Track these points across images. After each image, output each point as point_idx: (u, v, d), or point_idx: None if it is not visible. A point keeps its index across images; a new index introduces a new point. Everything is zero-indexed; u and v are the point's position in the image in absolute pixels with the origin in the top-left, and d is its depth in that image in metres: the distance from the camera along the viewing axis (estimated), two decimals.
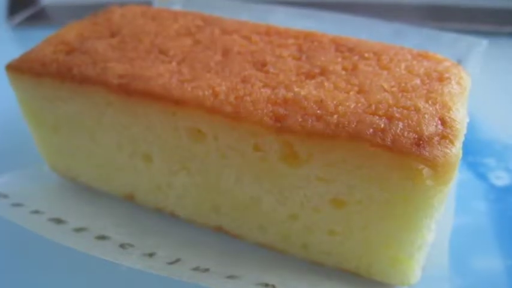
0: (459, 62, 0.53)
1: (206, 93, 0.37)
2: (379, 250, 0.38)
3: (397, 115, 0.34)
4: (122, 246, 0.41)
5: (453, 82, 0.38)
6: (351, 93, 0.36)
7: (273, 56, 0.41)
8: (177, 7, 0.69)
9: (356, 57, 0.41)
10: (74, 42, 0.46)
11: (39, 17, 0.96)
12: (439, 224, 0.38)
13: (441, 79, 0.38)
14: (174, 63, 0.41)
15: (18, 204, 0.44)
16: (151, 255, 0.40)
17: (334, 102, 0.35)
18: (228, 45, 0.43)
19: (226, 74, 0.39)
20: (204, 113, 0.37)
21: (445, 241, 0.41)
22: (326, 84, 0.38)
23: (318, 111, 0.35)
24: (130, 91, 0.39)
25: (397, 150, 0.32)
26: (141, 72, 0.40)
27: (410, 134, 0.33)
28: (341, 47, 0.42)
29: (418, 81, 0.38)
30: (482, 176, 0.53)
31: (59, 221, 0.43)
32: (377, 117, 0.34)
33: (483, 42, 0.57)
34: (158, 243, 0.43)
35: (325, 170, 0.35)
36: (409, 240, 0.36)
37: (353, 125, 0.33)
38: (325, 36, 0.44)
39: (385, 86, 0.37)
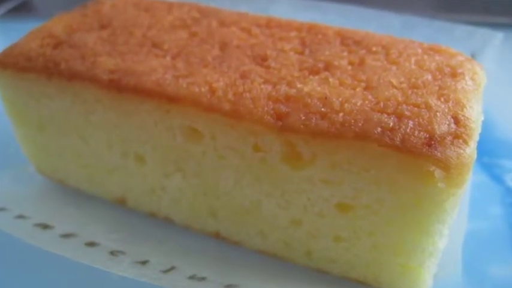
0: (473, 56, 0.53)
1: (203, 89, 0.37)
2: (387, 257, 0.38)
3: (407, 113, 0.34)
4: (113, 253, 0.41)
5: (467, 78, 0.38)
6: (358, 89, 0.36)
7: (274, 50, 0.41)
8: None
9: (363, 51, 0.41)
10: (62, 35, 0.46)
11: (25, 8, 0.96)
12: (452, 230, 0.38)
13: (454, 75, 0.38)
14: (168, 58, 0.41)
15: (1, 209, 0.44)
16: (144, 263, 0.40)
17: (340, 100, 0.35)
18: (226, 38, 0.43)
19: (224, 69, 0.39)
20: (200, 111, 0.37)
21: (458, 248, 0.41)
22: (331, 80, 0.38)
23: (323, 109, 0.35)
24: (121, 87, 0.39)
25: (407, 150, 0.32)
26: (133, 67, 0.40)
27: (421, 133, 0.33)
28: (347, 40, 0.42)
29: (429, 77, 0.37)
30: (498, 178, 0.53)
31: (45, 226, 0.43)
32: (385, 116, 0.34)
33: (498, 35, 0.57)
34: (151, 250, 0.43)
35: (330, 172, 0.35)
36: (420, 246, 0.36)
37: (360, 124, 0.33)
38: (330, 28, 0.44)
39: (394, 82, 0.37)
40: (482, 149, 0.43)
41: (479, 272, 0.42)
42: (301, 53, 0.41)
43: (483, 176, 0.53)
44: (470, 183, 0.46)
